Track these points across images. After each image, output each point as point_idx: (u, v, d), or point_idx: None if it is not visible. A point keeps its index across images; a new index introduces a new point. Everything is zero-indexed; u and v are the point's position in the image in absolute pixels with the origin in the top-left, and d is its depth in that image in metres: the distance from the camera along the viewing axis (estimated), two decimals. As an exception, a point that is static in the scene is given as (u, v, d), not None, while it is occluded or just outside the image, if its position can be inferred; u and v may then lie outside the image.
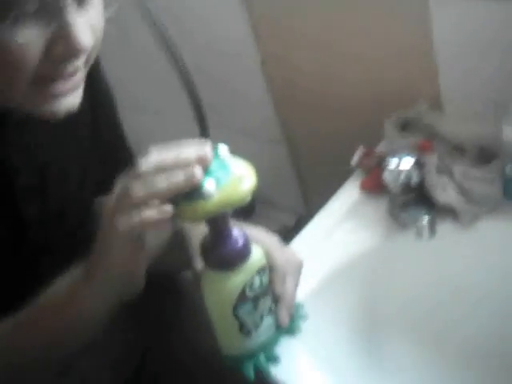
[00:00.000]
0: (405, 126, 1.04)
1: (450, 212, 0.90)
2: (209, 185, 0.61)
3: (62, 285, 0.70)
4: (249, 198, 0.63)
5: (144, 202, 0.61)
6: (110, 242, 0.64)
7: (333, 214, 0.98)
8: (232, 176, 0.62)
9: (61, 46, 0.61)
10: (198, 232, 0.77)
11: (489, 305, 0.90)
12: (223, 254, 0.67)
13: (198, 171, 0.61)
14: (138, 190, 0.61)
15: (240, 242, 0.68)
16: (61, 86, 0.64)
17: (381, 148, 1.03)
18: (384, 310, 0.90)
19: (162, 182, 0.61)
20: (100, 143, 0.89)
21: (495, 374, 0.86)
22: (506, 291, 0.89)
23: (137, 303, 0.91)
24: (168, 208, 0.61)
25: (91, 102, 0.83)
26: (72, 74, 0.64)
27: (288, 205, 1.43)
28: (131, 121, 1.01)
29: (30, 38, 0.59)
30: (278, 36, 1.19)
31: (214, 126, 1.31)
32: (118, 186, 0.64)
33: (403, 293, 0.91)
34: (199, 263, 0.74)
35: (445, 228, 0.90)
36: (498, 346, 0.89)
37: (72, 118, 0.80)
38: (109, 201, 0.64)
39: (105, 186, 0.69)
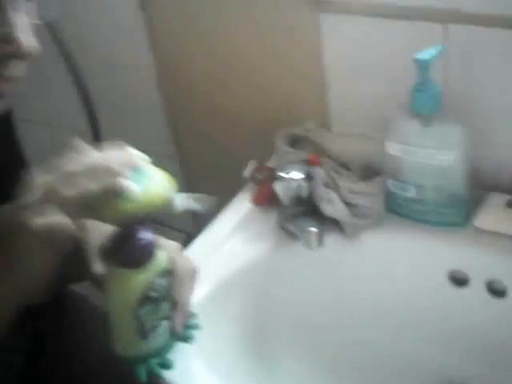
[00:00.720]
0: (294, 142, 1.08)
1: (336, 224, 0.94)
2: (133, 187, 0.63)
3: None
4: (169, 204, 0.66)
5: (72, 203, 0.61)
6: (26, 242, 0.62)
7: (224, 226, 1.00)
8: (153, 181, 0.67)
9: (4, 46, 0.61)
10: (96, 237, 0.78)
11: (371, 312, 0.95)
12: (130, 252, 0.69)
13: (126, 173, 0.62)
14: (68, 190, 0.61)
15: (148, 241, 0.69)
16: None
17: (271, 163, 1.06)
18: (274, 318, 0.94)
19: (92, 183, 0.62)
20: None
21: (383, 379, 0.92)
22: (385, 299, 0.95)
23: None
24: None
25: None
26: (7, 79, 0.64)
27: (176, 223, 1.43)
28: (23, 130, 0.99)
29: None
30: (174, 50, 1.21)
31: (109, 138, 1.31)
32: (39, 184, 0.63)
33: (293, 300, 0.95)
34: (98, 267, 0.74)
35: (332, 239, 0.94)
36: (379, 352, 0.94)
37: None
38: (23, 198, 0.63)
39: None
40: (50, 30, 1.21)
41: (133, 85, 1.31)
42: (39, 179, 0.65)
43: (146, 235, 0.70)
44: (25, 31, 0.62)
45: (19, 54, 0.63)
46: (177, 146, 1.33)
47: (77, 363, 0.94)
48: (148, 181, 0.66)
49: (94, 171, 0.63)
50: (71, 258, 0.82)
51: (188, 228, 1.43)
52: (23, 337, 0.95)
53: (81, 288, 1.00)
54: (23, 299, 0.67)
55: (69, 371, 0.94)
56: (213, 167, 1.30)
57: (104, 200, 0.63)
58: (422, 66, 0.84)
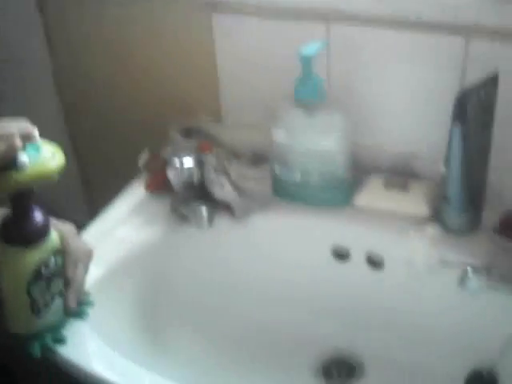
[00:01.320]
0: (188, 134, 1.12)
1: (226, 208, 0.98)
2: (23, 157, 0.65)
3: None
4: (57, 176, 0.68)
5: None
6: None
7: (117, 212, 1.02)
8: (42, 154, 0.68)
9: None
10: None
11: (260, 291, 1.00)
12: (23, 230, 0.70)
13: (18, 142, 0.64)
14: None
15: (41, 221, 0.71)
16: None
17: (165, 152, 1.09)
18: (168, 299, 0.96)
19: None
20: None
21: (272, 354, 0.96)
22: (273, 277, 0.99)
23: None
24: None
25: None
26: None
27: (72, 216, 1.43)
28: None
29: None
30: (69, 44, 1.22)
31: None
32: None
33: (185, 281, 0.98)
34: None
35: (222, 221, 0.98)
36: (274, 329, 0.98)
37: None
38: None
39: None
40: None
41: (30, 83, 1.31)
42: None
43: (39, 215, 0.72)
44: None
45: None
46: (73, 145, 1.34)
47: None
48: (38, 153, 0.68)
49: None
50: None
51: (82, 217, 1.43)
52: None
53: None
54: None
55: None
56: (109, 160, 1.31)
57: None
58: (306, 59, 0.90)
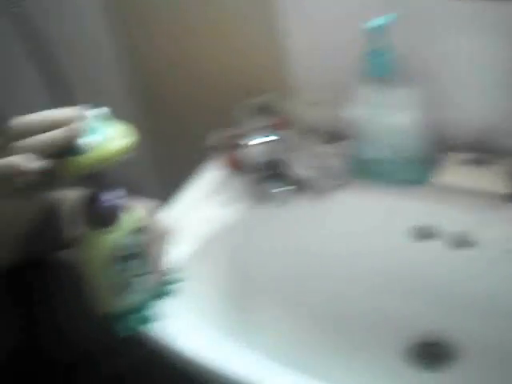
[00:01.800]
0: (260, 111, 1.12)
1: (303, 185, 0.98)
2: (86, 140, 0.64)
3: None
4: (124, 156, 0.67)
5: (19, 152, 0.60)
6: None
7: (197, 190, 1.03)
8: (109, 135, 0.66)
9: None
10: (70, 203, 0.80)
11: (341, 267, 0.99)
12: (99, 212, 0.70)
13: (76, 127, 0.62)
14: (17, 144, 0.60)
15: (117, 202, 0.71)
16: None
17: (239, 131, 1.10)
18: (253, 272, 0.98)
19: (41, 137, 0.61)
20: None
21: (357, 332, 0.96)
22: (350, 257, 0.99)
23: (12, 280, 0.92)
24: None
25: None
26: None
27: (146, 196, 1.45)
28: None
29: None
30: (134, 27, 1.23)
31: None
32: None
33: (269, 256, 0.99)
34: (73, 231, 0.75)
35: (300, 200, 0.98)
36: (355, 309, 0.98)
37: None
38: None
39: None
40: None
41: (95, 63, 1.32)
42: None
43: (116, 195, 0.71)
44: None
45: None
46: (142, 118, 1.35)
47: (66, 325, 0.96)
48: (104, 133, 0.66)
49: (46, 123, 0.63)
50: (50, 226, 0.85)
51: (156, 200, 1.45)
52: (18, 308, 0.97)
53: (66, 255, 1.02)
54: None
55: (64, 342, 0.96)
56: (183, 140, 1.32)
57: (57, 153, 0.63)
58: (375, 31, 0.89)
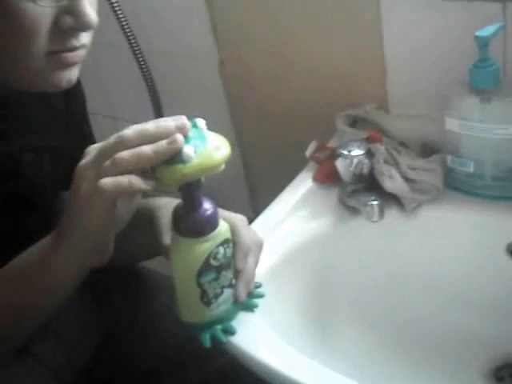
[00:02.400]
0: (354, 124, 1.10)
1: (396, 200, 0.96)
2: (188, 150, 0.65)
3: (32, 252, 0.72)
4: (223, 167, 0.68)
5: (130, 167, 0.64)
6: (91, 204, 0.65)
7: (285, 203, 1.02)
8: (208, 145, 0.68)
9: (69, 19, 0.69)
10: (167, 212, 0.81)
11: (430, 285, 0.96)
12: (194, 221, 0.71)
13: (179, 137, 0.65)
14: (124, 154, 0.64)
15: (210, 212, 0.72)
16: (69, 57, 0.71)
17: (333, 143, 1.09)
18: (335, 290, 0.96)
19: (147, 148, 0.64)
20: (71, 136, 0.93)
21: (440, 354, 0.92)
22: (444, 273, 0.96)
23: (98, 285, 0.94)
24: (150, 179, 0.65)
25: (65, 93, 0.88)
26: (78, 48, 0.71)
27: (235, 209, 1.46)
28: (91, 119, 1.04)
29: (40, 11, 0.67)
30: (235, 39, 1.25)
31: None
32: (96, 152, 0.66)
33: (353, 273, 0.97)
34: (168, 239, 0.77)
35: (392, 214, 0.96)
36: (442, 329, 0.95)
37: (48, 109, 0.84)
38: (84, 166, 0.66)
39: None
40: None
41: (195, 73, 1.34)
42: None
43: (209, 206, 0.72)
44: (89, 4, 0.69)
45: (86, 27, 0.70)
46: (237, 135, 1.36)
47: (152, 340, 0.98)
48: (204, 144, 0.68)
49: (150, 138, 0.65)
50: (143, 232, 0.87)
51: (247, 213, 1.46)
52: (102, 314, 1.00)
53: (153, 265, 1.04)
54: (89, 261, 0.71)
55: (144, 349, 0.99)
56: (274, 152, 1.32)
57: (161, 162, 0.65)
58: (482, 42, 0.86)
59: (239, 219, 0.82)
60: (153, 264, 1.03)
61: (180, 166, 0.66)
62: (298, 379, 0.72)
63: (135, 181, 0.64)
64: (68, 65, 0.72)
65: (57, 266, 0.70)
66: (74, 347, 0.95)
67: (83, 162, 0.67)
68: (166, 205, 0.86)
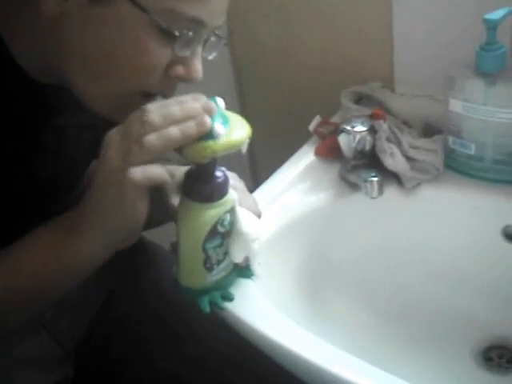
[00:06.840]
0: (359, 101, 1.11)
1: (396, 177, 0.97)
2: (218, 128, 0.67)
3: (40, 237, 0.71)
4: (246, 146, 0.70)
5: (159, 150, 0.64)
6: (121, 194, 0.64)
7: (286, 176, 1.04)
8: (232, 123, 0.69)
9: (181, 69, 0.71)
10: (175, 176, 0.82)
11: (425, 262, 0.98)
12: (206, 187, 0.72)
13: (208, 120, 0.65)
14: (153, 140, 0.63)
15: (222, 179, 0.73)
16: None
17: (336, 118, 1.09)
18: (331, 263, 0.97)
19: (175, 131, 0.64)
20: None
21: (436, 336, 0.93)
22: (439, 251, 0.97)
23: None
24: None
25: None
26: (168, 97, 0.71)
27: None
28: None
29: (165, 53, 0.69)
30: (244, 10, 1.25)
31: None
32: (121, 138, 0.65)
33: (349, 247, 0.98)
34: (176, 201, 0.76)
35: (391, 191, 0.97)
36: (434, 307, 0.96)
37: None
38: (110, 153, 0.65)
39: None
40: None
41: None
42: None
43: (221, 174, 0.73)
44: (199, 59, 0.72)
45: (193, 79, 0.72)
46: (242, 106, 1.36)
47: (151, 298, 0.99)
48: (229, 123, 0.69)
49: (178, 121, 0.65)
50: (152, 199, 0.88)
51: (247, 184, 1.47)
52: (102, 278, 1.00)
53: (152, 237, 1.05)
54: (120, 243, 0.71)
55: (144, 305, 1.00)
56: (278, 125, 1.33)
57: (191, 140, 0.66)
58: (491, 25, 0.87)
59: (240, 187, 0.83)
60: (151, 236, 1.04)
61: (210, 143, 0.67)
62: (290, 347, 0.73)
63: (162, 173, 0.65)
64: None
65: (85, 252, 0.69)
66: (74, 312, 0.95)
67: (109, 147, 0.65)
68: (175, 170, 0.86)
